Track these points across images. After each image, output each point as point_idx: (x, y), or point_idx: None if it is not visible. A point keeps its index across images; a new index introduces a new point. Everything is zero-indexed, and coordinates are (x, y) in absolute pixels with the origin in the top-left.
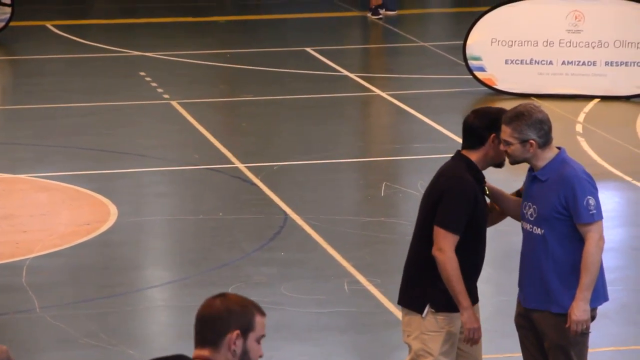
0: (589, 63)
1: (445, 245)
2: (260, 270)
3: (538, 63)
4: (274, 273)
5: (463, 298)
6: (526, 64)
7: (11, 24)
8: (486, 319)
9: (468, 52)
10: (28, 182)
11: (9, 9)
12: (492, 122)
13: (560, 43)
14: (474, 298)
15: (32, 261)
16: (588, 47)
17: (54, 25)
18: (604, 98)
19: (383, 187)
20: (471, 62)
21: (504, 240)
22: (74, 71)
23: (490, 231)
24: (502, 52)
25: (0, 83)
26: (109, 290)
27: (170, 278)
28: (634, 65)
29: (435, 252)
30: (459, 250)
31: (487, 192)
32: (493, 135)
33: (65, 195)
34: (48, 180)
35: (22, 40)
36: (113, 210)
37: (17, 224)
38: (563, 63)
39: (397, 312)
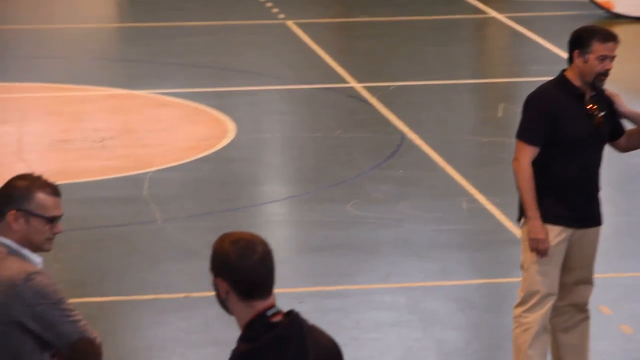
0: None
1: (520, 155)
2: (378, 187)
3: None
4: (392, 191)
5: (529, 208)
6: None
7: None
8: (605, 239)
9: None
10: (147, 98)
11: None
12: (575, 39)
13: None
14: (574, 215)
15: (153, 174)
16: None
17: None
18: None
19: (501, 108)
20: None
21: (626, 162)
22: None
23: (613, 153)
24: None
25: (117, 1)
26: (228, 204)
27: (288, 194)
28: None
29: (512, 161)
30: (540, 164)
31: (594, 111)
32: (577, 51)
33: (183, 112)
34: (166, 97)
35: None
36: (231, 127)
37: (137, 139)
38: None
39: (516, 230)
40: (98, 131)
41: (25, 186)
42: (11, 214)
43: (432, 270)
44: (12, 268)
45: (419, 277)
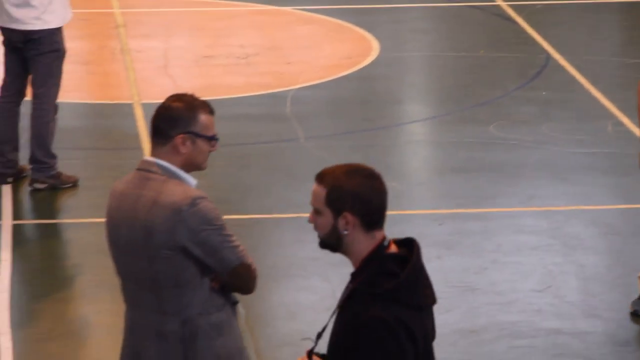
0: None
1: None
2: (522, 108)
3: None
4: (536, 112)
5: None
6: None
7: None
8: None
9: None
10: (292, 14)
11: None
12: None
13: None
14: None
15: (296, 92)
16: None
17: None
18: None
19: None
20: None
21: None
22: None
23: None
24: None
25: None
26: (370, 123)
27: (431, 114)
28: None
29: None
30: None
31: None
32: None
33: (327, 28)
34: (311, 14)
35: None
36: (375, 45)
37: (281, 56)
38: None
39: None
40: (243, 47)
41: (187, 108)
42: (179, 138)
43: (575, 194)
44: (176, 193)
45: (562, 200)
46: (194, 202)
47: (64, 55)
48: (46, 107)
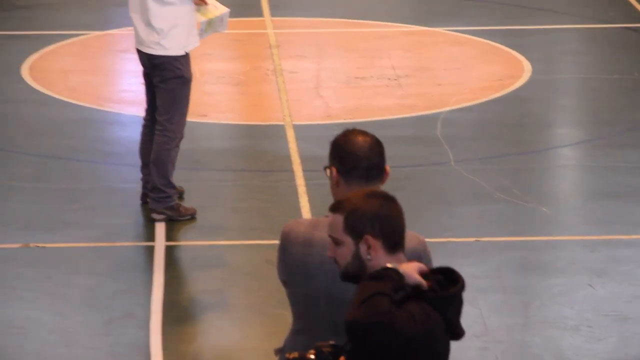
0: None
1: None
2: None
3: None
4: None
5: None
6: None
7: None
8: None
9: None
10: (442, 35)
11: None
12: None
13: None
14: None
15: (447, 114)
16: None
17: None
18: None
19: None
20: None
21: None
22: None
23: None
24: None
25: None
26: (522, 146)
27: (583, 137)
28: None
29: None
30: None
31: None
32: None
33: (478, 50)
34: (462, 35)
35: None
36: (527, 66)
37: (432, 77)
38: None
39: None
40: (394, 69)
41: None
42: (387, 168)
43: None
44: (411, 237)
45: None
46: (425, 245)
47: (189, 83)
48: (168, 135)
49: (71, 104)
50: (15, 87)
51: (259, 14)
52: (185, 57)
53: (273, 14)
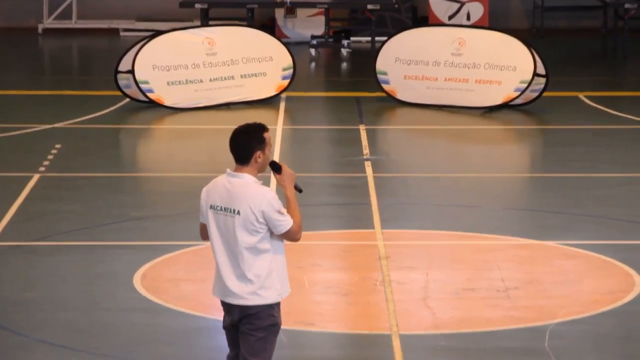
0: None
1: None
2: None
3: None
4: None
5: None
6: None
7: (545, 94)
8: None
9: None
10: (555, 249)
11: (543, 80)
12: None
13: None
14: None
15: (555, 326)
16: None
17: (586, 96)
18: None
19: None
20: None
21: None
22: (604, 142)
23: None
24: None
25: (530, 151)
26: None
27: None
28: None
29: None
30: None
31: None
32: None
33: (590, 264)
34: (575, 249)
35: (554, 110)
36: (638, 280)
37: (542, 290)
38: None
39: None
40: (503, 281)
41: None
42: None
43: None
44: None
45: None
46: None
47: (279, 330)
48: None
49: (179, 312)
50: (127, 296)
51: (370, 226)
52: (279, 304)
53: (384, 227)
